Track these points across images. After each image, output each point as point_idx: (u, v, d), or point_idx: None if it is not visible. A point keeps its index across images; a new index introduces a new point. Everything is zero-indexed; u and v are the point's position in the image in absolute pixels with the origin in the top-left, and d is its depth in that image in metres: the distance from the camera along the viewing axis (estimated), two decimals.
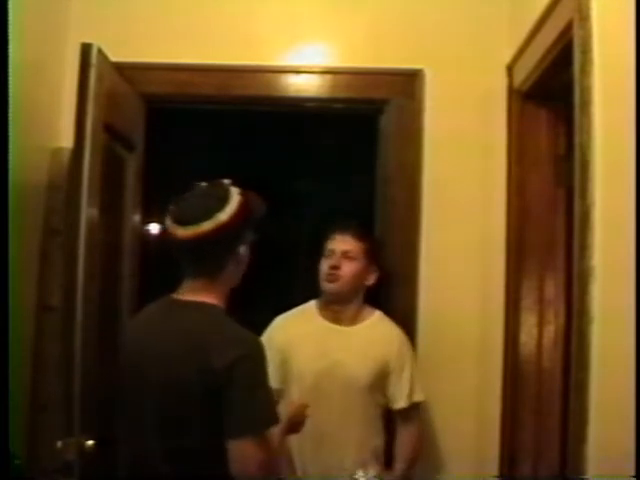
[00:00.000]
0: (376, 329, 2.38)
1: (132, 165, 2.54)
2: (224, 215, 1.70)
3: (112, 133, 2.25)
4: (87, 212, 2.03)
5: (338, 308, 2.37)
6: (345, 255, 2.34)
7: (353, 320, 2.38)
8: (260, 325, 2.37)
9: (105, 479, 2.09)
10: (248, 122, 3.82)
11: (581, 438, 1.61)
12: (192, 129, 4.03)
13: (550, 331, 2.37)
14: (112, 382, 2.00)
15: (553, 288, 2.39)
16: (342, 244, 2.36)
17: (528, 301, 2.40)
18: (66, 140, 2.33)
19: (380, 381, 2.31)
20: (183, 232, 1.70)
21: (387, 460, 2.33)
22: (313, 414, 1.97)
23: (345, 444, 2.27)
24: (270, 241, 2.53)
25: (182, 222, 1.71)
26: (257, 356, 1.66)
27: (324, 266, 2.36)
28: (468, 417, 2.52)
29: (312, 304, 2.44)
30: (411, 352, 2.38)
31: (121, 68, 2.33)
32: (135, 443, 1.77)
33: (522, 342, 2.39)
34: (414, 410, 2.35)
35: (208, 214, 1.69)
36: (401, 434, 2.34)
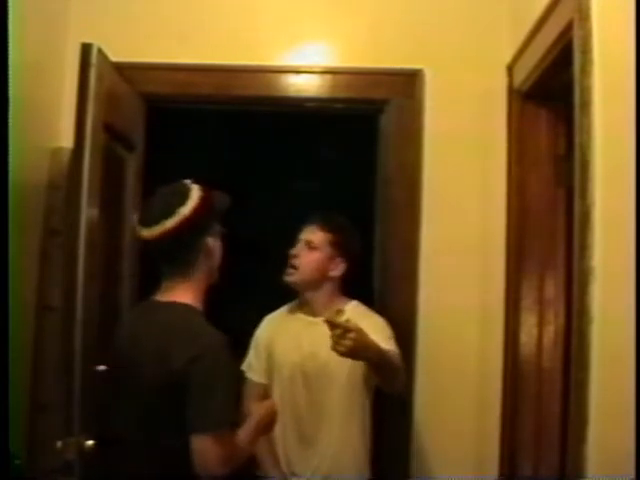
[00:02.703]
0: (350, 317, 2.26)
1: (132, 165, 2.55)
2: (186, 209, 1.75)
3: (112, 133, 2.25)
4: (87, 212, 2.03)
5: (308, 299, 2.36)
6: (308, 245, 2.33)
7: (325, 311, 2.25)
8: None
9: (105, 479, 2.09)
10: (248, 122, 3.82)
11: (581, 438, 1.61)
12: (192, 129, 4.02)
13: (550, 331, 2.37)
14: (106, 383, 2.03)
15: (553, 288, 2.39)
16: (307, 234, 2.36)
17: (528, 301, 2.40)
18: (66, 140, 2.33)
19: (362, 369, 2.21)
20: (149, 233, 1.76)
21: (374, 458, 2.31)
22: (292, 409, 1.94)
23: (326, 442, 2.23)
24: (269, 241, 2.53)
25: (146, 223, 1.77)
26: (215, 355, 1.69)
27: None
28: (468, 417, 2.52)
29: (296, 301, 2.44)
30: (391, 333, 2.24)
31: (121, 68, 2.33)
32: (118, 442, 1.82)
33: (522, 342, 2.39)
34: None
35: (170, 211, 1.74)
36: None
